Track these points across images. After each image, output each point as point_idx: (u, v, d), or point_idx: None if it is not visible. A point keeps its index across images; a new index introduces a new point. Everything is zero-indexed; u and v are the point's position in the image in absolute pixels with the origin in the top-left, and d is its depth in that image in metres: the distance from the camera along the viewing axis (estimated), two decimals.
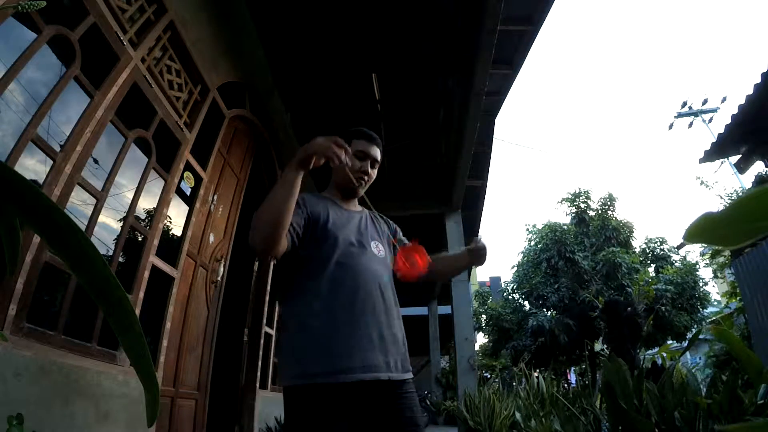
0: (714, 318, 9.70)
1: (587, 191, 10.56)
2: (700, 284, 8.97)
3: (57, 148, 1.68)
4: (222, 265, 3.23)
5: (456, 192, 5.70)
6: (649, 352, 8.21)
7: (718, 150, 5.91)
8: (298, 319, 1.12)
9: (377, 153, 1.35)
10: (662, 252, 10.10)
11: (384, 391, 1.08)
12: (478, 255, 1.32)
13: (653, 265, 9.96)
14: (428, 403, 9.42)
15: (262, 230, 1.03)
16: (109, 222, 2.07)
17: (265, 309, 4.02)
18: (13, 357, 1.39)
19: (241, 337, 3.85)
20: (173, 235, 2.68)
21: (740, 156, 6.09)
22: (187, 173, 2.68)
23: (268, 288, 4.11)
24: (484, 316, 11.44)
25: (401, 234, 1.48)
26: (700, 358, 12.74)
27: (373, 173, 1.36)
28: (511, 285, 10.94)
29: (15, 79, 1.50)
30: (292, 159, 1.11)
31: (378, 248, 1.28)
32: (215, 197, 3.17)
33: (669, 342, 8.79)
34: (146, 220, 2.38)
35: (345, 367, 1.03)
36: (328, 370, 1.03)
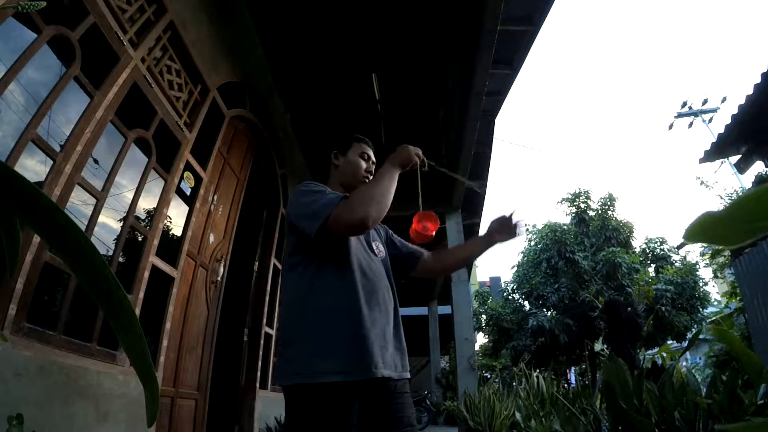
0: (714, 318, 9.70)
1: (587, 191, 10.56)
2: (700, 284, 8.97)
3: (57, 148, 1.68)
4: (222, 265, 3.23)
5: (456, 192, 5.70)
6: (649, 352, 8.21)
7: (718, 150, 5.91)
8: (316, 314, 1.08)
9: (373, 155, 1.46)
10: (662, 252, 10.10)
11: (389, 390, 1.09)
12: (505, 230, 1.40)
13: (653, 265, 9.96)
14: (428, 403, 9.41)
15: (377, 208, 1.08)
16: (109, 222, 2.07)
17: (265, 309, 4.02)
18: (13, 357, 1.39)
19: (241, 337, 3.85)
20: (173, 235, 2.68)
21: (740, 156, 6.08)
22: (187, 173, 2.68)
23: (268, 288, 4.11)
24: (484, 316, 11.44)
25: (392, 233, 1.50)
26: (700, 358, 12.75)
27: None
28: (511, 285, 10.95)
29: (15, 80, 1.50)
30: (393, 158, 1.23)
31: (379, 249, 1.32)
32: (215, 197, 3.17)
33: (669, 342, 8.79)
34: (146, 220, 2.38)
35: (362, 366, 1.03)
36: (347, 369, 1.02)
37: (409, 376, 1.18)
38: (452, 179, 5.48)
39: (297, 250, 1.18)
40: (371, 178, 1.38)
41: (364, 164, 1.37)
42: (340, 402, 1.00)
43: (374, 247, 1.30)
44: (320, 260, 1.14)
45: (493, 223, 1.44)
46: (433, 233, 1.38)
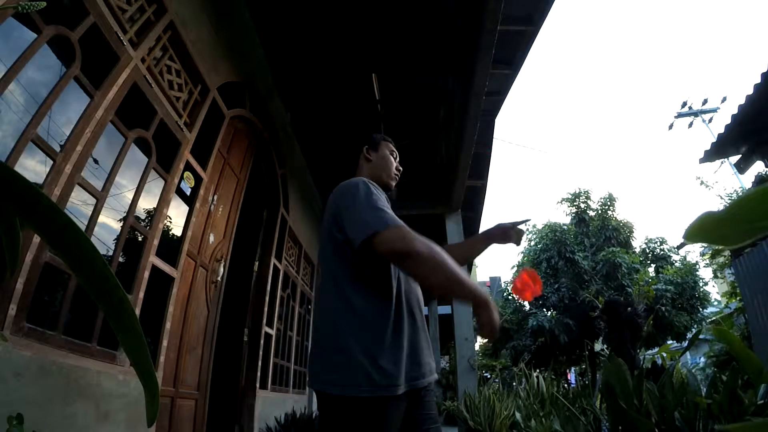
0: (714, 318, 9.69)
1: (587, 191, 10.59)
2: (700, 284, 8.98)
3: (57, 148, 1.67)
4: (222, 265, 3.23)
5: (456, 192, 5.70)
6: (649, 352, 8.21)
7: (718, 150, 5.92)
8: (378, 318, 1.02)
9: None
10: (662, 252, 10.11)
11: (427, 391, 1.10)
12: (504, 236, 1.41)
13: (653, 265, 9.97)
14: None
15: (436, 274, 0.97)
16: (109, 222, 2.07)
17: (265, 309, 4.02)
18: (13, 357, 1.39)
19: (241, 337, 3.85)
20: (173, 235, 2.68)
21: (740, 156, 6.09)
22: (187, 173, 2.68)
23: (268, 288, 4.11)
24: None
25: None
26: (700, 358, 12.74)
27: None
28: (511, 285, 10.94)
29: (15, 79, 1.50)
30: (482, 297, 0.98)
31: None
32: (215, 197, 3.17)
33: (669, 342, 8.79)
34: (146, 220, 2.38)
35: (419, 373, 1.03)
36: (407, 379, 0.99)
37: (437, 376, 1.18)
38: (452, 179, 5.48)
39: (339, 256, 1.10)
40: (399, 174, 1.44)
41: (393, 162, 1.44)
42: (393, 412, 0.98)
43: None
44: (382, 263, 1.08)
45: (496, 227, 1.46)
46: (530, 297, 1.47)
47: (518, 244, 1.42)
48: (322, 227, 1.19)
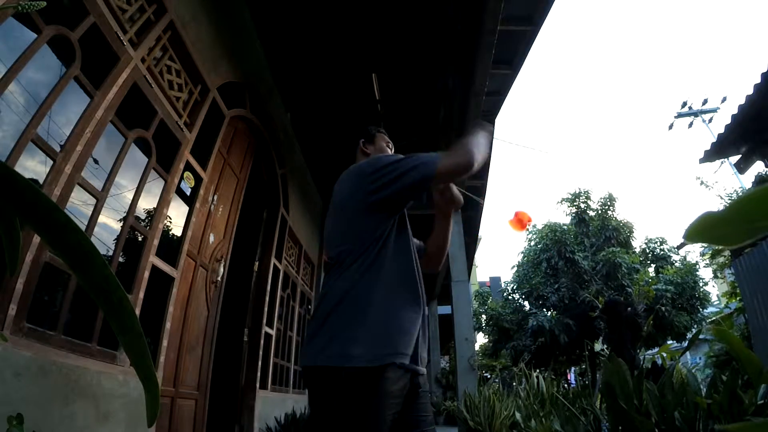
0: (714, 318, 9.70)
1: (587, 191, 10.57)
2: (700, 284, 8.98)
3: (57, 148, 1.68)
4: (222, 265, 3.23)
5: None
6: (649, 352, 8.21)
7: (718, 150, 5.92)
8: (390, 292, 1.03)
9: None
10: (662, 252, 10.11)
11: (419, 386, 1.09)
12: (447, 201, 1.34)
13: (653, 265, 9.97)
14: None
15: (480, 153, 1.13)
16: (109, 222, 2.07)
17: (265, 309, 4.02)
18: (13, 357, 1.39)
19: (241, 337, 3.85)
20: (173, 235, 2.68)
21: (740, 156, 6.09)
22: (187, 173, 2.68)
23: (268, 288, 4.11)
24: (484, 316, 11.44)
25: None
26: (700, 358, 12.74)
27: None
28: (511, 285, 10.95)
29: (15, 80, 1.50)
30: (485, 128, 1.25)
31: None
32: (215, 197, 3.17)
33: (669, 342, 8.79)
34: (146, 220, 2.38)
35: (420, 357, 1.05)
36: (413, 355, 1.02)
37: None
38: None
39: (366, 232, 1.09)
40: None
41: (390, 152, 1.43)
42: (400, 388, 0.98)
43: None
44: (395, 237, 1.12)
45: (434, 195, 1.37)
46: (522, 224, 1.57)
47: (458, 202, 1.34)
48: (339, 206, 1.17)
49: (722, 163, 9.70)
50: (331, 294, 1.05)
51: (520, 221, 1.58)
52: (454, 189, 1.34)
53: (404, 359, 0.99)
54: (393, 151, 1.46)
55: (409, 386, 1.04)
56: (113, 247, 2.06)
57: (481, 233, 8.83)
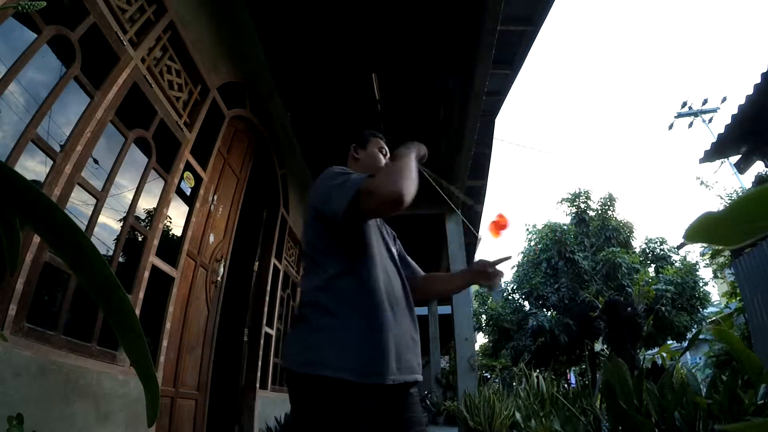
0: (714, 318, 9.69)
1: (587, 191, 10.56)
2: (700, 284, 8.97)
3: (57, 148, 1.68)
4: (222, 265, 3.23)
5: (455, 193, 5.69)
6: (649, 352, 8.21)
7: (718, 150, 5.92)
8: (353, 306, 1.02)
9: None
10: (662, 252, 10.09)
11: (405, 392, 1.08)
12: (484, 276, 1.30)
13: (653, 265, 9.96)
14: (428, 403, 9.40)
15: (409, 183, 1.03)
16: (109, 222, 2.07)
17: (265, 309, 4.02)
18: (13, 357, 1.39)
19: (241, 337, 3.86)
20: (173, 235, 2.68)
21: (740, 156, 6.10)
22: (187, 173, 2.68)
23: (268, 288, 4.11)
24: (484, 316, 11.43)
25: (401, 246, 1.45)
26: (700, 358, 12.74)
27: None
28: (511, 285, 10.94)
29: (15, 80, 1.50)
30: (410, 149, 1.18)
31: (392, 248, 1.28)
32: (215, 197, 3.17)
33: (669, 342, 8.78)
34: (146, 220, 2.38)
35: (393, 368, 1.00)
36: (379, 370, 0.98)
37: (422, 378, 1.13)
38: (452, 179, 5.47)
39: (319, 242, 1.12)
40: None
41: (383, 158, 1.41)
42: (367, 403, 0.96)
43: (389, 245, 1.26)
44: (343, 254, 1.09)
45: (477, 263, 1.34)
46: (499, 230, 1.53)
47: (495, 287, 1.32)
48: (307, 215, 1.21)
49: (722, 163, 9.70)
50: (301, 299, 1.13)
51: (497, 225, 1.52)
52: (497, 280, 1.31)
53: (343, 373, 0.95)
54: (388, 156, 1.41)
55: (395, 396, 1.04)
56: (113, 247, 2.06)
57: (481, 233, 8.83)
